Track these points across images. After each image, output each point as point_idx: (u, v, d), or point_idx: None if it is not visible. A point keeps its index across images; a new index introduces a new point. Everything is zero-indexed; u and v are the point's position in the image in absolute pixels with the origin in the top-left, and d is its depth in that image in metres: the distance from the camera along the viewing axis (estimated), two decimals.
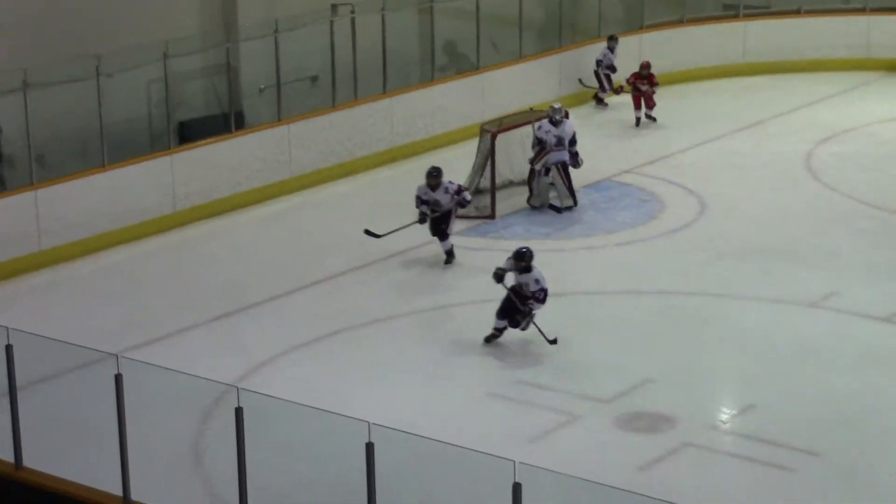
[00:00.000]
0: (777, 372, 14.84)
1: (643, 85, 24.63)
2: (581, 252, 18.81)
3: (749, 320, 16.33)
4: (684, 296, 17.16)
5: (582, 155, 20.56)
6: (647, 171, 21.94)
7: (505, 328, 15.64)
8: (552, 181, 20.35)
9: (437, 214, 18.21)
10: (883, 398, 14.20)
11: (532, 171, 20.43)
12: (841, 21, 27.82)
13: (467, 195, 18.47)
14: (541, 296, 15.26)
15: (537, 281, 15.29)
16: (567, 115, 20.52)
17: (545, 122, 20.29)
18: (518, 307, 15.44)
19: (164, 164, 19.98)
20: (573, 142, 20.32)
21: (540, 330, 15.31)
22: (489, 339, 15.66)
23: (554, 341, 15.30)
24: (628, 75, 24.78)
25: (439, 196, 18.16)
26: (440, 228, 18.26)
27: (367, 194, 21.45)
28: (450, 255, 18.37)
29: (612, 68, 25.55)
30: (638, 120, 24.68)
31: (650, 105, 24.79)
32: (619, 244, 19.00)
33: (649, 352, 15.44)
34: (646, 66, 24.71)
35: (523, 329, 15.55)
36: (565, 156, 20.25)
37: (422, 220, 18.32)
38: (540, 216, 20.07)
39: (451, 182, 18.31)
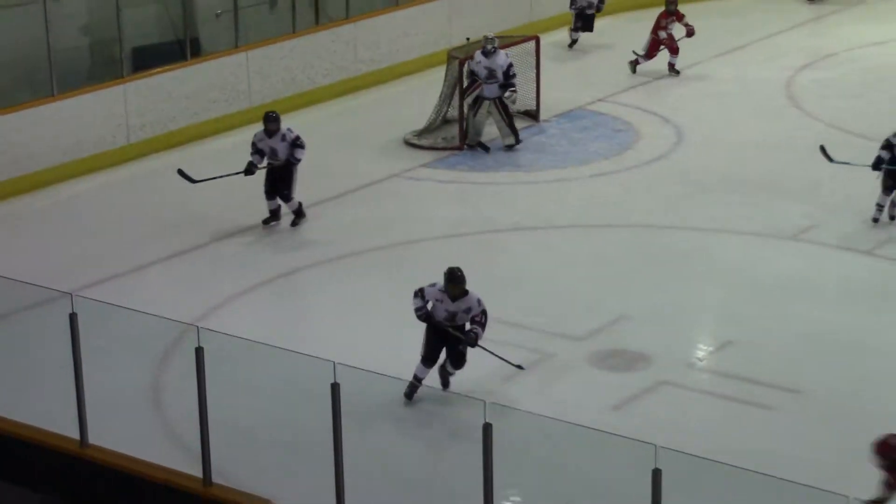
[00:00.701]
0: (756, 307, 14.97)
1: (667, 25, 22.84)
2: (553, 184, 18.87)
3: (728, 255, 16.45)
4: (661, 230, 17.27)
5: (550, 85, 20.45)
6: (621, 100, 21.99)
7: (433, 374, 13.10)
8: (489, 116, 20.05)
9: (274, 165, 17.08)
10: (864, 333, 14.35)
11: (462, 110, 20.06)
12: None
13: (300, 153, 17.05)
14: (484, 320, 12.88)
15: (479, 302, 12.91)
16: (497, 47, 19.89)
17: (477, 52, 19.89)
18: (456, 345, 12.90)
19: (117, 93, 19.90)
20: (508, 74, 19.84)
21: (501, 357, 13.28)
22: (410, 395, 12.79)
23: (521, 367, 13.41)
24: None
25: (276, 144, 17.01)
26: (278, 186, 17.15)
27: (330, 124, 21.42)
28: (298, 213, 17.32)
29: (592, 5, 24.71)
30: (636, 63, 23.22)
31: (673, 50, 23.07)
32: (593, 176, 19.07)
33: (625, 288, 15.55)
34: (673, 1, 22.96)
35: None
36: (496, 90, 19.82)
37: (248, 171, 17.15)
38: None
39: (289, 129, 17.13)
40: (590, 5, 24.60)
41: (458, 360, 12.85)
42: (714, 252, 16.53)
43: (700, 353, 14.35)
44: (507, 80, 19.85)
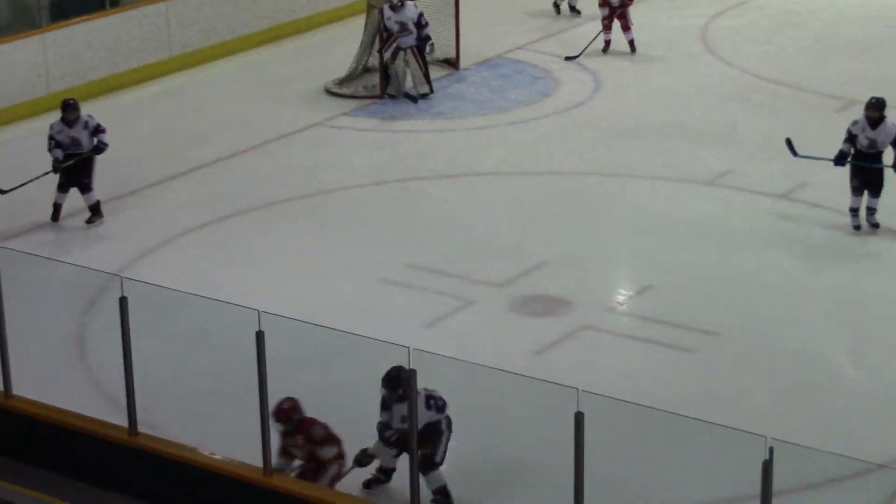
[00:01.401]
0: (674, 252, 15.02)
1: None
2: (473, 132, 18.80)
3: (645, 200, 16.45)
4: (579, 175, 17.27)
5: (471, 32, 20.36)
6: (539, 48, 21.91)
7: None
8: (407, 65, 19.88)
9: (73, 160, 15.67)
10: (779, 275, 14.45)
11: (383, 64, 19.88)
12: None
13: (106, 138, 15.75)
14: (448, 420, 10.68)
15: (434, 401, 10.57)
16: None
17: (386, 7, 19.71)
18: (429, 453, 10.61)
19: (36, 42, 19.59)
20: (420, 24, 19.67)
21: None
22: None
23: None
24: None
25: (77, 133, 15.66)
26: (77, 177, 15.78)
27: (251, 74, 21.22)
28: (95, 211, 15.92)
29: None
30: (607, 44, 21.56)
31: (625, 26, 21.48)
32: (512, 123, 19.02)
33: (544, 233, 15.54)
34: None
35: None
36: (413, 40, 19.69)
37: (56, 169, 15.68)
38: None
39: (90, 116, 15.82)
40: (403, 27, 20.11)
41: None
42: (631, 198, 16.53)
43: (619, 298, 14.39)
44: (420, 30, 19.72)
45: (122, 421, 11.01)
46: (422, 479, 10.21)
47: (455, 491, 10.64)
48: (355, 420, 10.93)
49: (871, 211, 15.31)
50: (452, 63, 21.10)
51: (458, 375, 11.30)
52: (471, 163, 17.71)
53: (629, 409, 10.03)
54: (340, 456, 10.61)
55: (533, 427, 11.37)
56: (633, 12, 21.41)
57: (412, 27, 19.65)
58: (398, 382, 10.32)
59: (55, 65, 19.68)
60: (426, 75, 19.95)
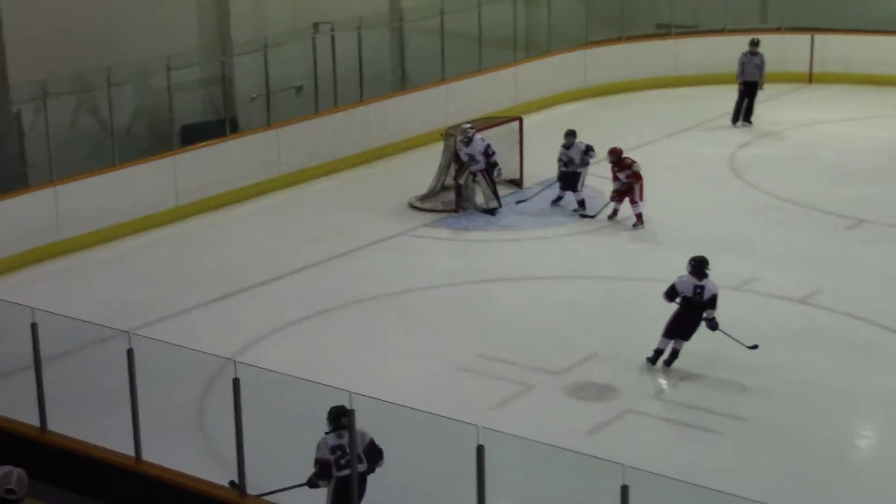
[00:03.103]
0: (705, 347, 14.86)
1: (621, 175, 19.19)
2: (535, 241, 18.81)
3: None
4: (625, 280, 17.21)
5: (532, 158, 20.44)
6: (592, 171, 21.90)
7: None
8: (478, 185, 19.96)
9: None
10: (798, 370, 14.26)
11: (458, 186, 20.00)
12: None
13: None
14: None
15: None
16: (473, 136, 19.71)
17: (458, 141, 19.81)
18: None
19: (168, 163, 19.89)
20: (487, 154, 19.72)
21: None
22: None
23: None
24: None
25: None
26: None
27: (347, 190, 21.41)
28: None
29: (573, 161, 19.90)
30: (615, 212, 19.39)
31: (633, 200, 19.10)
32: (569, 234, 19.01)
33: (595, 329, 15.47)
34: (615, 152, 19.36)
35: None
36: (482, 165, 19.72)
37: None
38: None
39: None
40: (569, 161, 19.97)
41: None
42: None
43: (660, 386, 14.25)
44: (489, 158, 19.82)
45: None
46: None
47: None
48: (423, 487, 10.80)
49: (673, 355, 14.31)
50: (517, 183, 21.18)
51: (520, 451, 11.22)
52: (532, 268, 17.70)
53: (669, 483, 9.90)
54: None
55: (583, 498, 11.24)
56: (672, 141, 21.34)
57: (480, 157, 19.73)
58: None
59: (183, 182, 19.95)
60: (494, 193, 20.03)
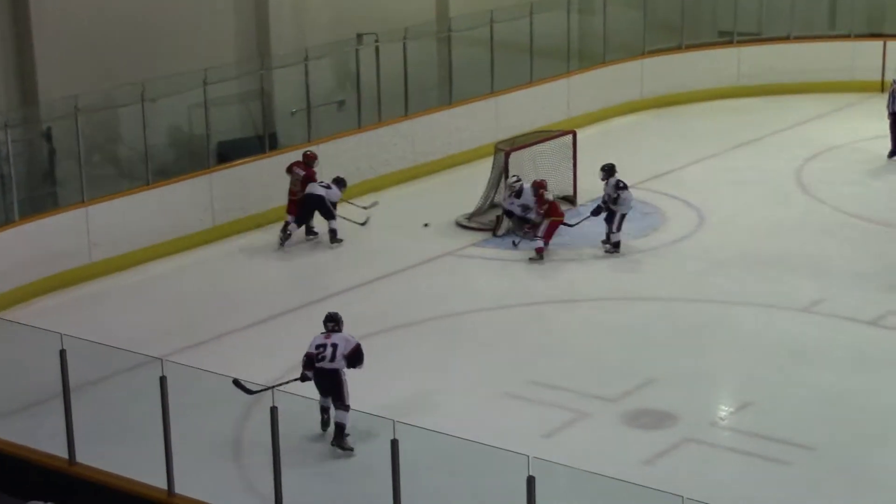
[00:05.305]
0: (772, 372, 14.76)
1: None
2: (590, 261, 18.73)
3: (745, 325, 16.23)
4: (685, 302, 17.08)
5: (586, 173, 20.38)
6: (649, 186, 21.84)
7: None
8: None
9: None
10: (870, 396, 14.10)
11: (499, 216, 19.81)
12: (827, 46, 27.73)
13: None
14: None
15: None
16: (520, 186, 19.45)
17: (507, 195, 19.53)
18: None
19: (204, 182, 19.97)
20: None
21: None
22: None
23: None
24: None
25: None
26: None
27: (392, 209, 21.38)
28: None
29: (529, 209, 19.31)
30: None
31: (535, 234, 18.80)
32: (625, 254, 18.91)
33: (652, 354, 15.36)
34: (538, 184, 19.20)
35: None
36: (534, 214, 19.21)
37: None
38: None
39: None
40: (525, 208, 19.39)
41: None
42: (732, 322, 16.31)
43: (722, 413, 14.13)
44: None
45: None
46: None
47: None
48: None
49: None
50: (571, 199, 21.12)
51: (573, 483, 11.14)
52: (588, 289, 17.62)
53: None
54: None
55: None
56: (737, 154, 21.11)
57: (532, 206, 19.31)
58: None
59: (219, 201, 20.03)
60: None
